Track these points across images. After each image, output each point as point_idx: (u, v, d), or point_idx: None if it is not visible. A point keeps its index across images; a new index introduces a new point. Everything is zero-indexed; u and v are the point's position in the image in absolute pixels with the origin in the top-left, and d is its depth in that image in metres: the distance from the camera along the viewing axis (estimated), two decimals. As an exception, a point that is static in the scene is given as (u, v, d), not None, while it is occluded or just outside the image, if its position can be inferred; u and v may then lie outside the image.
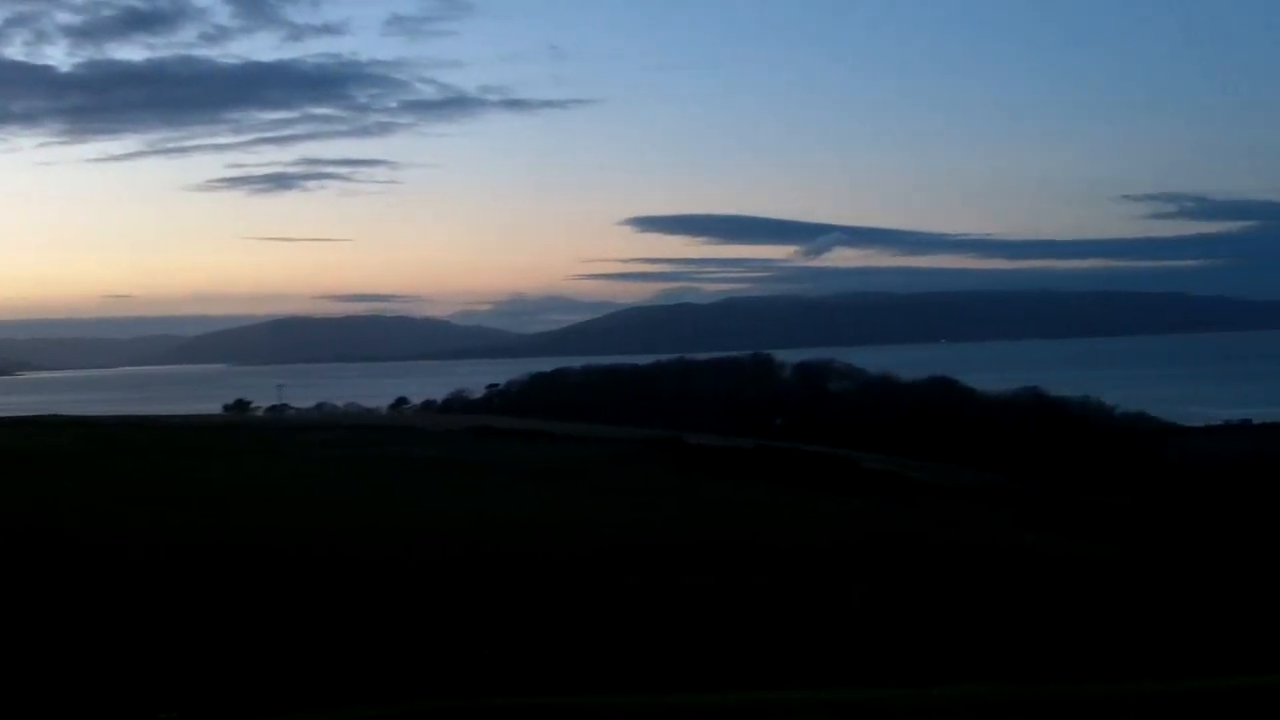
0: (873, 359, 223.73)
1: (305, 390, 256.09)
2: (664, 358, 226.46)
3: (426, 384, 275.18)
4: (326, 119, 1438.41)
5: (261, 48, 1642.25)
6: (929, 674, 17.36)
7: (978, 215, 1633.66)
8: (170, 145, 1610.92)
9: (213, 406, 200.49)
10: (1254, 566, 63.76)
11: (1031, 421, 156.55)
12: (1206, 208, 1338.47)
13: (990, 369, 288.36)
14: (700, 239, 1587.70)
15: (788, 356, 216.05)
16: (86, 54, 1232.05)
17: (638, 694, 18.77)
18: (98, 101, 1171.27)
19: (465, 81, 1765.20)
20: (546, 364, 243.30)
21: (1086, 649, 33.68)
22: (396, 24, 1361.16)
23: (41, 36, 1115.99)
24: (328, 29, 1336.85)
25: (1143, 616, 48.92)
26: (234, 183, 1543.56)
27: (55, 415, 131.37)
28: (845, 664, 26.33)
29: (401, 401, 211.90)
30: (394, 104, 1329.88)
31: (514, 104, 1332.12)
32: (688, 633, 33.26)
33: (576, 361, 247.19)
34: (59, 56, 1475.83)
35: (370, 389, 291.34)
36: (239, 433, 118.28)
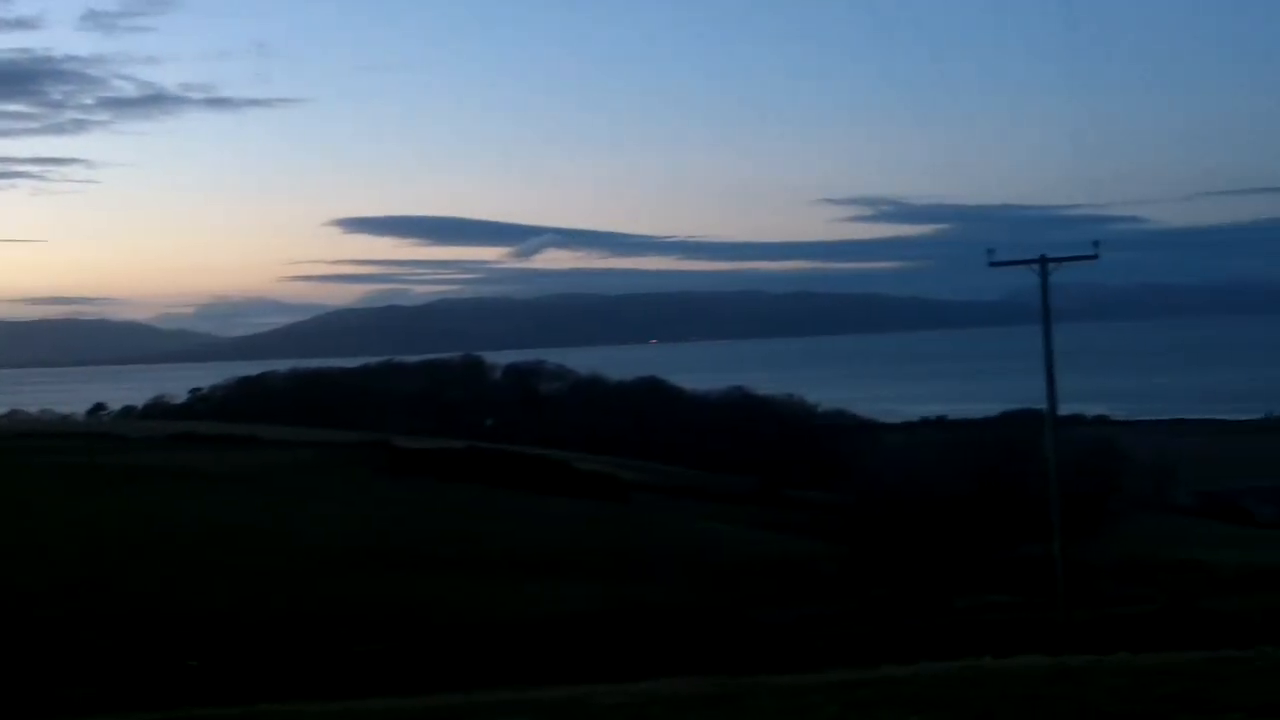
0: (584, 360, 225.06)
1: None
2: (372, 360, 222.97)
3: (127, 389, 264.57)
4: (17, 116, 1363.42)
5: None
6: (635, 670, 17.17)
7: (686, 218, 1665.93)
8: None
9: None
10: (936, 563, 66.67)
11: (738, 420, 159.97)
12: (902, 211, 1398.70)
13: (699, 369, 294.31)
14: (410, 240, 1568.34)
15: (498, 358, 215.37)
16: None
17: (334, 700, 17.97)
18: None
19: (165, 79, 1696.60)
20: (252, 368, 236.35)
21: (780, 641, 34.22)
22: (93, 19, 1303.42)
23: None
24: (20, 23, 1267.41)
25: (834, 607, 50.36)
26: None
27: None
28: (552, 661, 26.05)
29: (99, 407, 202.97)
30: (90, 101, 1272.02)
31: (217, 102, 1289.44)
32: (392, 637, 32.46)
33: (283, 365, 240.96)
34: None
35: (67, 395, 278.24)
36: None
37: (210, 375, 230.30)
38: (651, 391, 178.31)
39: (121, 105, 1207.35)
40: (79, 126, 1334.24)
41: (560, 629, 36.29)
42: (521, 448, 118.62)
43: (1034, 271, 35.39)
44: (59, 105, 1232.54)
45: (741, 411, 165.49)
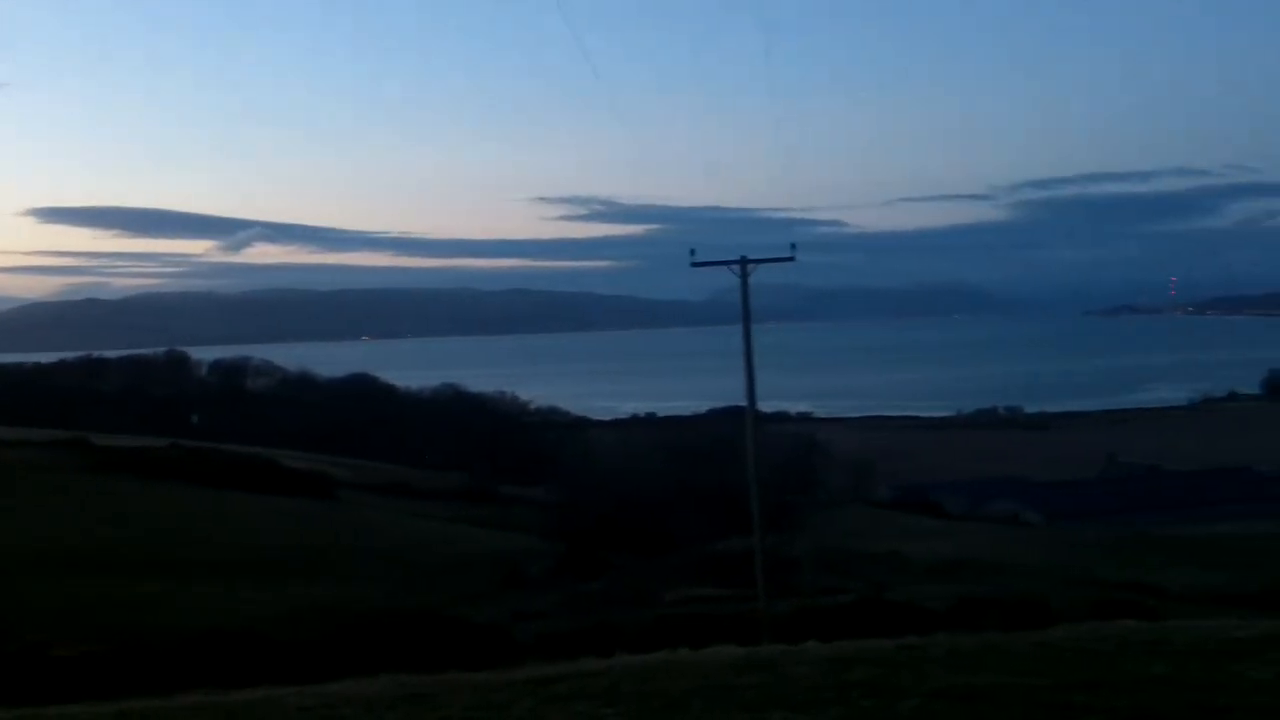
0: (293, 357, 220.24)
1: None
2: (69, 355, 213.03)
3: None
4: None
5: None
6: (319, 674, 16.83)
7: (398, 214, 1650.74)
8: None
9: None
10: (646, 558, 67.79)
11: (450, 417, 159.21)
12: (614, 211, 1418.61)
13: (411, 366, 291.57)
14: (110, 232, 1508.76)
15: (204, 354, 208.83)
16: None
17: (24, 706, 17.01)
18: None
19: None
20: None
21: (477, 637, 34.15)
22: None
23: None
24: None
25: (543, 603, 50.59)
26: None
27: None
28: (253, 664, 25.33)
29: None
30: None
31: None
32: (91, 641, 31.06)
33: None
34: None
35: None
36: None
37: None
38: (362, 388, 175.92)
39: None
40: None
41: (263, 630, 35.32)
42: (228, 446, 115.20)
43: (735, 272, 36.17)
44: None
45: (453, 409, 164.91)
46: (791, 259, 35.90)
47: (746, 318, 35.92)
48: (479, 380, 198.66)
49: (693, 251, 35.68)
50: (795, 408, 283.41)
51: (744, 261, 35.69)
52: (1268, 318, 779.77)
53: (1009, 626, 19.86)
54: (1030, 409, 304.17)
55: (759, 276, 36.68)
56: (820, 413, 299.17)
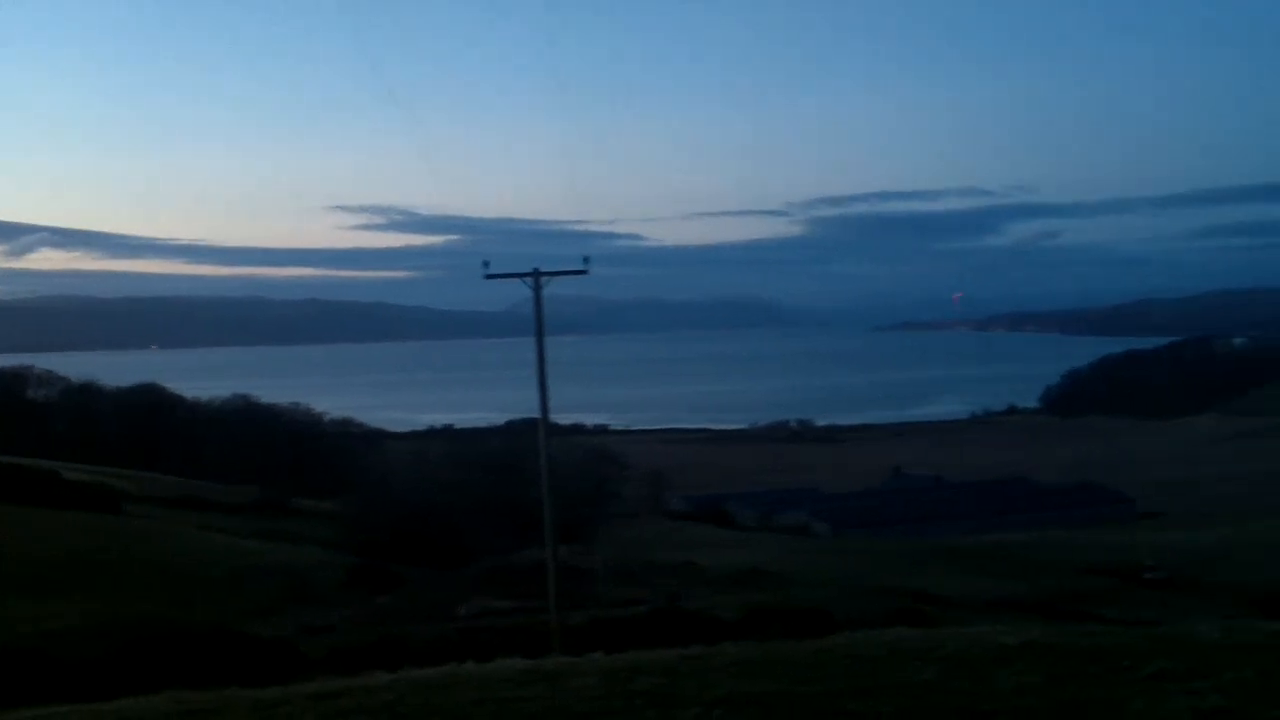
0: (79, 365, 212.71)
1: None
2: None
3: None
4: None
5: None
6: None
7: (191, 220, 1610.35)
8: None
9: None
10: (441, 570, 67.39)
11: (241, 428, 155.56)
12: (413, 221, 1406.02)
13: (202, 376, 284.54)
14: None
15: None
16: None
17: None
18: None
19: None
20: None
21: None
22: None
23: None
24: None
25: (335, 617, 49.92)
26: None
27: None
28: (29, 683, 24.49)
29: None
30: None
31: None
32: None
33: None
34: None
35: None
36: None
37: None
38: (150, 399, 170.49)
39: None
40: None
41: (40, 647, 34.09)
42: (6, 457, 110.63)
43: (529, 284, 36.28)
44: None
45: (245, 420, 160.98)
46: (585, 272, 36.16)
47: (540, 330, 36.03)
48: (272, 391, 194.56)
49: (486, 264, 35.67)
50: (593, 420, 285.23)
51: (537, 274, 35.83)
52: (1046, 334, 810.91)
53: (794, 635, 20.38)
54: (821, 422, 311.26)
55: (556, 289, 36.90)
56: (617, 425, 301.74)
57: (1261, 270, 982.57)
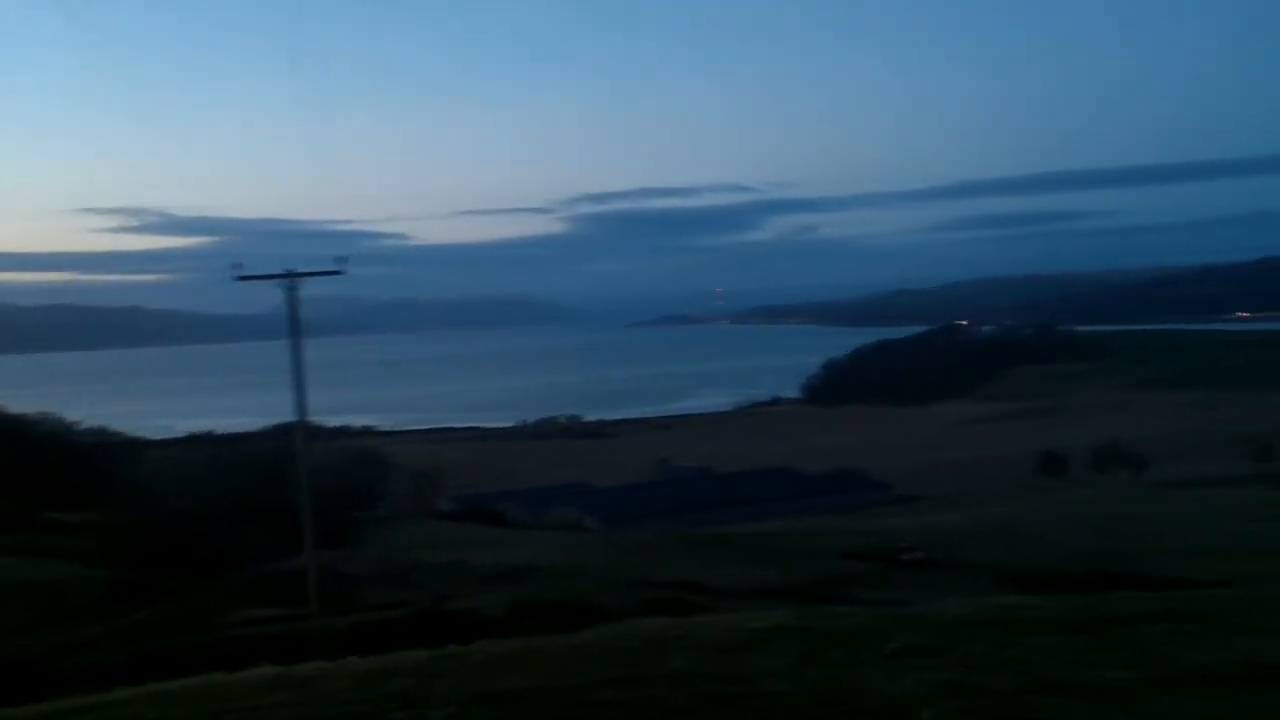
0: None
1: None
2: None
3: None
4: None
5: None
6: None
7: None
8: None
9: None
10: (204, 581, 65.65)
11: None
12: (168, 223, 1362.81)
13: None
14: None
15: None
16: None
17: None
18: None
19: None
20: None
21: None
22: None
23: None
24: None
25: (91, 632, 48.16)
26: None
27: None
28: None
29: None
30: None
31: None
32: None
33: None
34: None
35: None
36: None
37: None
38: None
39: None
40: None
41: None
42: None
43: (283, 286, 35.61)
44: None
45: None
46: (340, 272, 35.61)
47: (296, 332, 35.40)
48: (19, 400, 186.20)
49: (238, 266, 34.87)
50: (359, 421, 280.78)
51: (291, 275, 35.18)
52: (805, 326, 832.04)
53: (557, 630, 20.50)
54: (589, 417, 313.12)
55: (318, 289, 36.25)
56: (384, 426, 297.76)
57: (1007, 260, 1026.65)
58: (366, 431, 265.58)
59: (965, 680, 12.49)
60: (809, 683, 12.66)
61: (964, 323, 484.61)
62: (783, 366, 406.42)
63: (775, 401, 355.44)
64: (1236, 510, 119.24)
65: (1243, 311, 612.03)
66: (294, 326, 35.62)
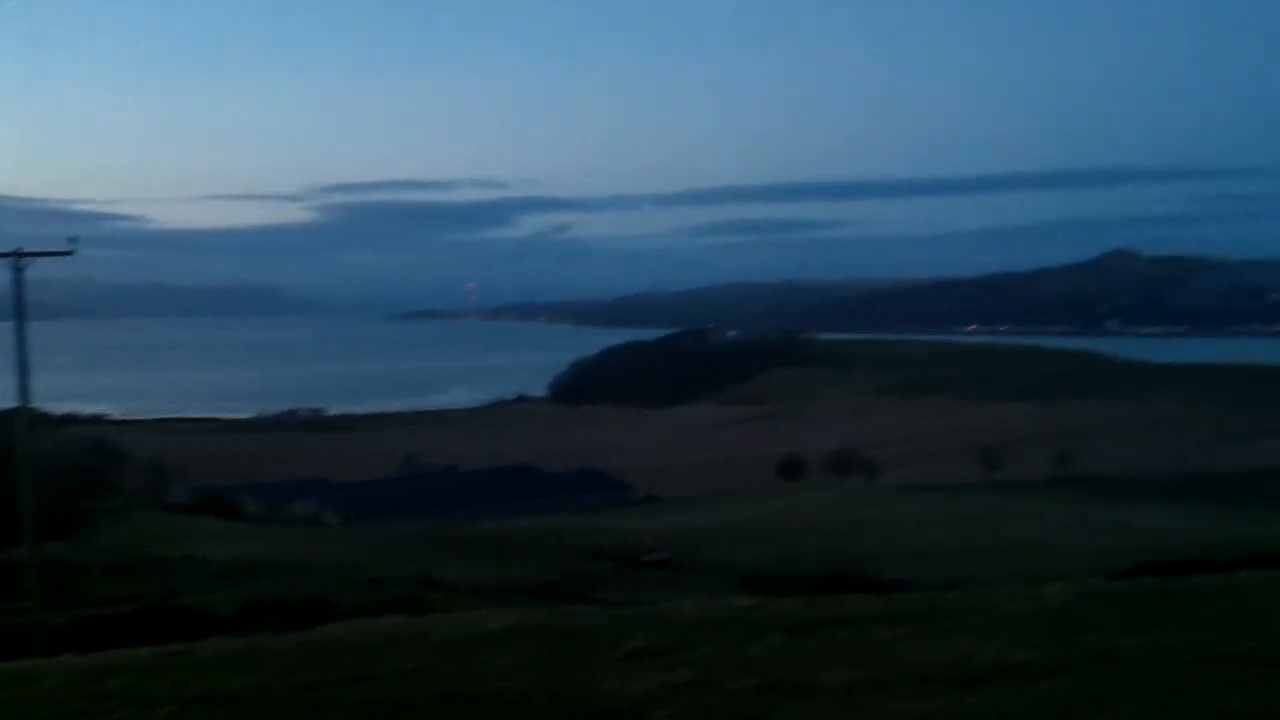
0: None
1: None
2: None
3: None
4: None
5: None
6: None
7: None
8: None
9: None
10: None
11: None
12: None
13: None
14: None
15: None
16: None
17: None
18: None
19: None
20: None
21: None
22: None
23: None
24: None
25: None
26: None
27: None
28: None
29: None
30: None
31: None
32: None
33: None
34: None
35: None
36: None
37: None
38: None
39: None
40: None
41: None
42: None
43: (12, 266, 33.89)
44: None
45: None
46: (70, 252, 34.03)
47: (20, 314, 33.73)
48: None
49: (-47, 243, 33.08)
50: (90, 409, 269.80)
51: (18, 255, 33.53)
52: (557, 325, 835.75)
53: (291, 627, 20.00)
54: (334, 411, 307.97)
55: (47, 271, 34.62)
56: (118, 414, 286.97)
57: (757, 267, 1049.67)
58: (97, 420, 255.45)
59: (700, 680, 12.62)
60: (543, 682, 12.62)
61: (712, 327, 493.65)
62: (532, 365, 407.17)
63: (522, 400, 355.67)
64: (964, 515, 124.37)
65: (972, 324, 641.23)
66: (19, 308, 33.95)
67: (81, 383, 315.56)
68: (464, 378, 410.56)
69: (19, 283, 33.36)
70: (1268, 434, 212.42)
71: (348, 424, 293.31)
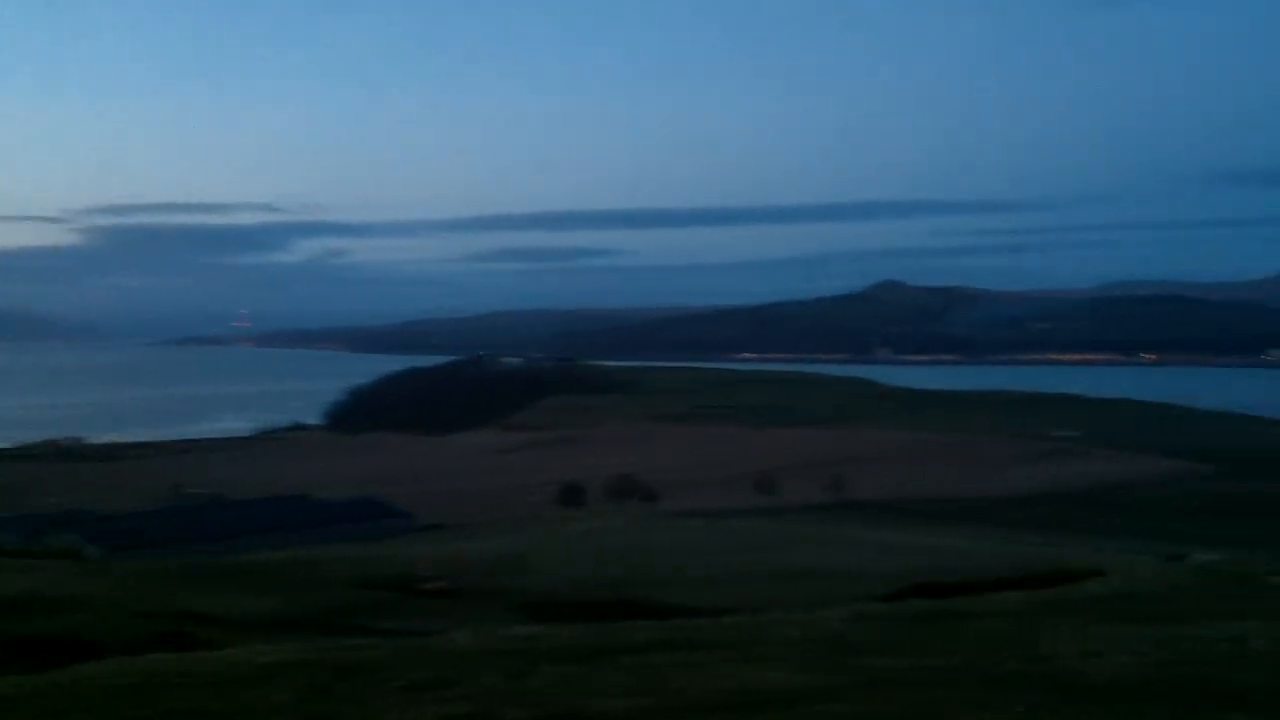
0: None
1: None
2: None
3: None
4: None
5: None
6: None
7: None
8: None
9: None
10: None
11: None
12: None
13: None
14: None
15: None
16: None
17: None
18: None
19: None
20: None
21: None
22: None
23: None
24: None
25: None
26: None
27: None
28: None
29: None
30: None
31: None
32: None
33: None
34: None
35: None
36: None
37: None
38: None
39: None
40: None
41: None
42: None
43: None
44: None
45: None
46: None
47: None
48: None
49: None
50: None
51: None
52: (334, 352, 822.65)
53: (48, 666, 19.04)
54: (96, 439, 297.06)
55: None
56: None
57: (538, 294, 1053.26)
58: None
59: (478, 712, 12.41)
60: (315, 718, 12.24)
61: (493, 353, 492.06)
62: (307, 392, 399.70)
63: (297, 427, 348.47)
64: (743, 540, 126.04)
65: (751, 352, 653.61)
66: None
67: None
68: (236, 405, 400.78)
69: None
70: (1031, 459, 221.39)
71: (112, 453, 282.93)
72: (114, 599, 76.22)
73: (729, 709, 12.51)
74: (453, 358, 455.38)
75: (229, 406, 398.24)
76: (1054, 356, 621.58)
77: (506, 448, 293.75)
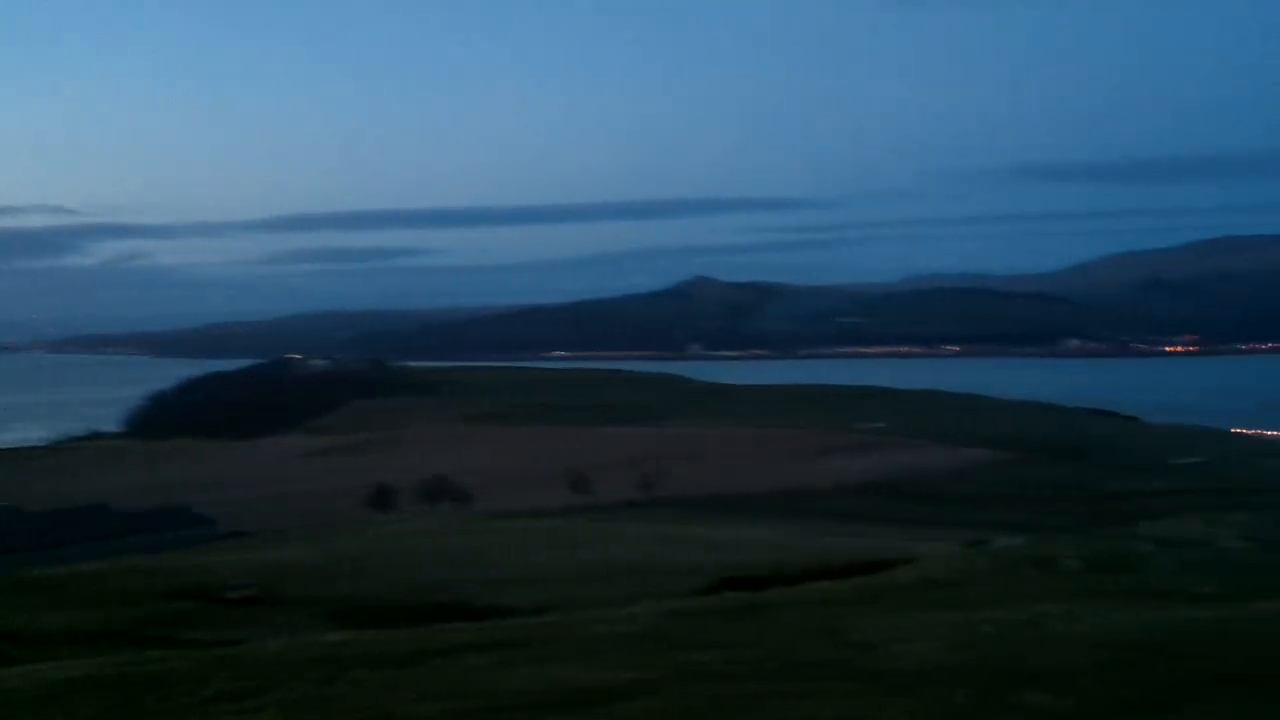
0: None
1: None
2: None
3: None
4: None
5: None
6: None
7: None
8: None
9: None
10: None
11: None
12: None
13: None
14: None
15: None
16: None
17: None
18: None
19: None
20: None
21: None
22: None
23: None
24: None
25: None
26: None
27: None
28: None
29: None
30: None
31: None
32: None
33: None
34: None
35: None
36: None
37: None
38: None
39: None
40: None
41: None
42: None
43: None
44: None
45: None
46: None
47: None
48: None
49: None
50: None
51: None
52: (134, 356, 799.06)
53: None
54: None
55: None
56: None
57: (342, 295, 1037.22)
58: None
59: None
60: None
61: (298, 356, 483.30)
62: (106, 398, 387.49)
63: (95, 436, 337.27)
64: (557, 539, 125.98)
65: (561, 350, 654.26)
66: None
67: None
68: (29, 413, 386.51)
69: None
70: (840, 451, 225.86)
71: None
72: (-101, 618, 72.94)
73: (544, 708, 12.49)
74: (257, 361, 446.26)
75: (22, 415, 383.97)
76: (862, 350, 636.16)
77: (314, 452, 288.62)
